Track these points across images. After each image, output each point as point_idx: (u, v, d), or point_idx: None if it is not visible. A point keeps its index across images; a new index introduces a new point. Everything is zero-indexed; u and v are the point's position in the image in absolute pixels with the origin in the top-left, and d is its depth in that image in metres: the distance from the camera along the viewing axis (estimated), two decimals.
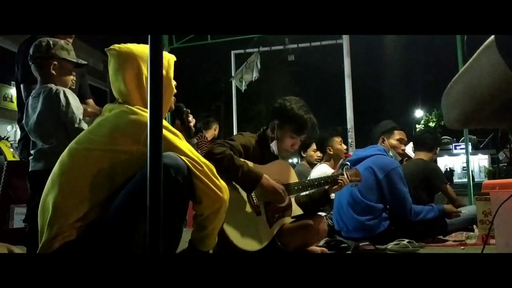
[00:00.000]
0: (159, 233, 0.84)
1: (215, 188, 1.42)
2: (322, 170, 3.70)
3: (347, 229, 3.02)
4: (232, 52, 8.16)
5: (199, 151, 1.76)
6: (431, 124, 33.96)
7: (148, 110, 1.43)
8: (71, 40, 2.48)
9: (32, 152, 2.05)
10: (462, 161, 33.25)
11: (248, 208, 2.15)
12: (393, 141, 3.24)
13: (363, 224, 2.92)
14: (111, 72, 1.53)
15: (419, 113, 39.76)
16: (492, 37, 0.63)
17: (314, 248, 2.49)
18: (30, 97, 2.08)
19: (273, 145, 2.36)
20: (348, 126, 6.37)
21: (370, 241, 2.85)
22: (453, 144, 36.17)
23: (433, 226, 3.03)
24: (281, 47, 7.96)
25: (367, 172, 2.93)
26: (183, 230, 1.51)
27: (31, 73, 2.13)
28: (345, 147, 4.01)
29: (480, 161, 37.48)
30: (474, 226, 3.14)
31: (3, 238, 2.43)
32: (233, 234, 2.03)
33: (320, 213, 2.47)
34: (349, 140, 6.19)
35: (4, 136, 6.83)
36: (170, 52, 6.63)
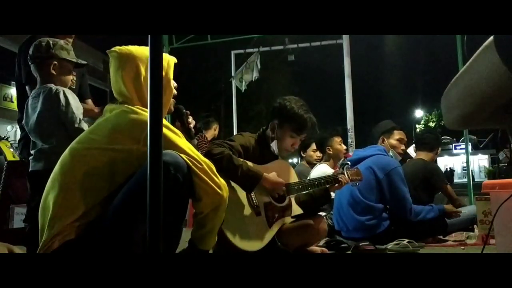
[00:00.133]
0: (159, 233, 0.84)
1: (214, 186, 1.42)
2: (322, 170, 3.70)
3: (347, 229, 3.02)
4: (232, 52, 8.17)
5: (199, 151, 1.76)
6: (431, 124, 33.99)
7: (146, 110, 1.46)
8: (71, 40, 2.48)
9: (32, 152, 2.05)
10: (462, 161, 33.27)
11: (248, 209, 2.15)
12: (393, 141, 3.24)
13: (363, 224, 2.92)
14: (112, 73, 1.56)
15: (419, 113, 39.79)
16: (491, 38, 0.63)
17: (314, 248, 2.49)
18: (30, 97, 2.08)
19: (273, 145, 2.36)
20: (348, 126, 6.37)
21: (370, 241, 2.85)
22: (453, 144, 36.20)
23: (433, 226, 3.03)
24: (281, 47, 7.97)
25: (367, 172, 2.93)
26: (182, 229, 1.51)
27: None
28: (344, 147, 4.01)
29: (480, 161, 37.49)
30: (474, 226, 3.14)
31: (3, 238, 2.43)
32: (232, 234, 2.03)
33: (320, 213, 2.47)
34: (349, 140, 6.19)
35: (4, 136, 6.83)
36: (170, 52, 6.66)
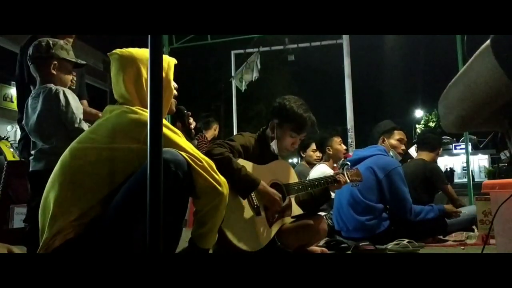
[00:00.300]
0: (159, 231, 0.84)
1: (214, 183, 1.43)
2: (321, 170, 3.70)
3: (347, 229, 3.02)
4: (232, 52, 8.17)
5: (200, 151, 1.77)
6: (431, 124, 34.00)
7: (146, 110, 1.47)
8: (71, 40, 2.48)
9: (32, 152, 2.05)
10: (462, 161, 33.27)
11: (248, 209, 2.15)
12: (393, 141, 3.24)
13: (363, 224, 2.92)
14: (113, 75, 1.58)
15: (419, 113, 39.83)
16: (488, 42, 0.64)
17: (314, 248, 2.49)
18: (29, 98, 2.08)
19: (273, 145, 2.36)
20: (348, 126, 6.38)
21: (370, 241, 2.85)
22: (453, 144, 36.22)
23: (433, 226, 3.03)
24: (281, 47, 7.97)
25: (368, 172, 2.93)
26: (182, 229, 1.51)
27: None
28: (344, 147, 4.02)
29: (480, 161, 37.51)
30: (474, 226, 3.14)
31: (3, 238, 2.43)
32: (233, 234, 2.03)
33: (320, 213, 2.47)
34: (349, 140, 6.19)
35: (4, 136, 6.83)
36: (170, 52, 6.66)
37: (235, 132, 7.77)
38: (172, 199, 1.30)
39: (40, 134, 2.00)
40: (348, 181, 2.44)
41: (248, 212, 2.14)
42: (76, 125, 1.97)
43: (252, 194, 2.17)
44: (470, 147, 6.15)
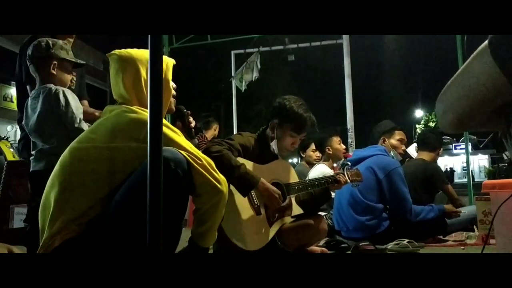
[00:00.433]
0: (159, 231, 0.84)
1: (214, 181, 1.43)
2: (320, 170, 3.70)
3: (347, 229, 3.02)
4: (232, 52, 8.17)
5: (200, 151, 1.77)
6: (431, 124, 34.01)
7: (146, 110, 1.47)
8: (71, 40, 2.48)
9: (32, 152, 2.05)
10: (462, 161, 33.28)
11: (248, 208, 2.15)
12: (393, 141, 3.24)
13: (363, 224, 2.92)
14: (112, 76, 1.59)
15: (419, 113, 39.83)
16: (486, 42, 0.64)
17: (314, 248, 2.49)
18: (29, 98, 2.07)
19: (273, 144, 2.36)
20: (348, 126, 6.38)
21: (370, 241, 2.85)
22: (453, 144, 36.23)
23: (433, 226, 3.03)
24: (281, 47, 7.97)
25: (368, 172, 2.93)
26: (182, 228, 1.51)
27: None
28: (344, 146, 4.02)
29: (480, 161, 37.52)
30: (474, 226, 3.14)
31: (3, 238, 2.43)
32: (233, 233, 2.03)
33: (320, 213, 2.47)
34: (349, 140, 6.20)
35: (4, 136, 6.84)
36: (170, 52, 6.65)
37: (235, 132, 7.76)
38: (172, 198, 1.30)
39: (40, 134, 2.00)
40: (348, 181, 2.44)
41: (248, 212, 2.14)
42: (76, 125, 1.97)
43: (252, 193, 2.17)
44: (470, 147, 6.15)
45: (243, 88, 7.77)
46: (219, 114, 17.13)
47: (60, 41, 2.15)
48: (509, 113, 0.71)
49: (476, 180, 18.61)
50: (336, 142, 3.90)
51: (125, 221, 1.33)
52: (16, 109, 2.66)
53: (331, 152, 3.89)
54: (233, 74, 7.98)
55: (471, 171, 6.52)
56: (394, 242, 2.72)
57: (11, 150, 5.62)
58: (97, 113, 2.47)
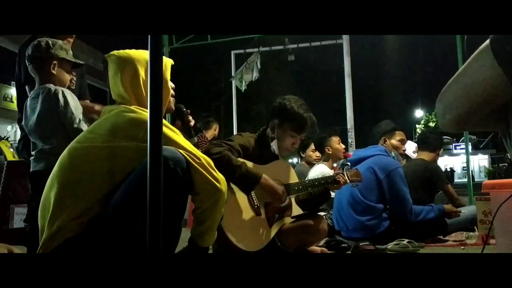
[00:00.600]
0: (159, 230, 0.84)
1: (212, 180, 1.43)
2: (320, 170, 3.70)
3: (347, 229, 3.02)
4: (232, 52, 8.17)
5: (199, 151, 1.77)
6: (431, 124, 34.02)
7: (144, 110, 1.48)
8: (71, 40, 2.48)
9: (32, 152, 2.05)
10: (462, 161, 33.29)
11: (248, 209, 2.15)
12: (394, 142, 3.24)
13: (363, 224, 2.92)
14: (110, 76, 1.60)
15: (419, 113, 39.85)
16: (487, 41, 0.64)
17: (314, 248, 2.49)
18: (29, 98, 2.07)
19: (273, 145, 2.36)
20: (348, 126, 6.38)
21: (370, 241, 2.85)
22: (453, 144, 36.24)
23: (433, 226, 3.03)
24: (281, 47, 7.97)
25: (368, 172, 2.93)
26: (181, 228, 1.51)
27: None
28: (343, 146, 4.02)
29: (480, 161, 37.53)
30: (474, 226, 3.14)
31: (3, 238, 2.43)
32: (233, 234, 2.03)
33: (320, 213, 2.47)
34: (349, 140, 6.19)
35: (4, 136, 6.84)
36: (170, 52, 6.65)
37: (235, 132, 7.77)
38: (171, 197, 1.31)
39: (39, 134, 2.00)
40: (348, 181, 2.44)
41: (248, 212, 2.14)
42: (75, 125, 1.97)
43: (252, 193, 2.17)
44: (470, 147, 6.15)
45: (243, 88, 7.77)
46: (219, 114, 17.14)
47: (60, 41, 2.15)
48: (508, 114, 0.71)
49: (476, 180, 18.62)
50: (335, 142, 3.90)
51: (124, 220, 1.33)
52: (16, 109, 2.66)
53: (330, 152, 3.89)
54: (233, 74, 7.98)
55: (471, 171, 6.52)
56: (394, 242, 2.72)
57: (11, 150, 5.62)
58: (96, 106, 2.46)
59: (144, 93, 1.55)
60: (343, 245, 2.78)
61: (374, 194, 2.96)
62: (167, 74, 1.64)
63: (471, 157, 7.13)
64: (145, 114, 1.45)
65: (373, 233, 2.90)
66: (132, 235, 1.32)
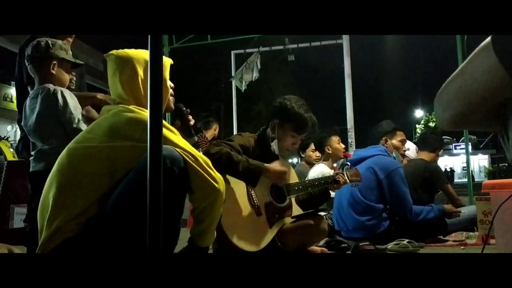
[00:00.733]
0: (159, 230, 0.84)
1: (210, 179, 1.43)
2: (320, 170, 3.71)
3: (347, 229, 3.02)
4: (232, 52, 8.17)
5: (200, 151, 1.76)
6: (431, 124, 34.03)
7: (143, 110, 1.47)
8: (70, 40, 2.48)
9: (32, 153, 2.05)
10: (462, 161, 33.30)
11: (249, 209, 2.15)
12: (395, 142, 3.25)
13: (363, 224, 2.92)
14: (109, 76, 1.60)
15: (419, 113, 39.87)
16: (488, 39, 0.64)
17: (314, 248, 2.49)
18: (28, 98, 2.07)
19: (274, 145, 2.36)
20: (348, 126, 6.37)
21: (370, 241, 2.85)
22: (453, 144, 36.24)
23: (433, 226, 3.03)
24: (281, 47, 7.97)
25: (368, 172, 2.93)
26: (180, 227, 1.51)
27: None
28: (343, 146, 4.02)
29: (480, 161, 37.54)
30: (474, 227, 3.14)
31: (3, 238, 2.43)
32: (233, 234, 2.03)
33: (320, 213, 2.48)
34: (349, 140, 6.19)
35: (4, 136, 6.83)
36: (170, 52, 6.64)
37: (235, 132, 7.77)
38: (168, 196, 1.30)
39: (39, 134, 2.00)
40: (348, 181, 2.45)
41: (248, 212, 2.14)
42: (75, 125, 1.97)
43: (252, 194, 2.18)
44: (470, 147, 6.15)
45: (243, 88, 7.77)
46: (219, 114, 17.14)
47: (60, 41, 2.15)
48: (506, 115, 0.71)
49: (476, 180, 18.61)
50: (335, 142, 3.90)
51: (122, 220, 1.33)
52: (16, 109, 2.66)
53: (330, 152, 3.89)
54: (233, 74, 7.98)
55: (471, 171, 6.52)
56: (394, 242, 2.72)
57: (11, 150, 5.61)
58: (99, 95, 2.41)
59: (143, 93, 1.55)
60: (343, 245, 2.78)
61: (374, 194, 2.96)
62: (166, 73, 1.64)
63: (471, 157, 7.13)
64: (143, 113, 1.45)
65: (373, 233, 2.90)
66: (130, 234, 1.32)
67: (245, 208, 2.14)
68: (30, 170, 2.04)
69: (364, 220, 2.92)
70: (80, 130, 1.89)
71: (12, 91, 12.62)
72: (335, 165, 4.06)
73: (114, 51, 1.58)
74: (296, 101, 2.37)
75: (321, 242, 2.72)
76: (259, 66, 7.59)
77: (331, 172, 3.53)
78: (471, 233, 3.04)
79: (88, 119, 2.26)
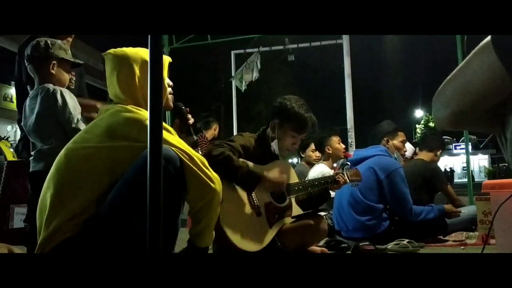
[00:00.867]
0: (159, 230, 0.84)
1: (206, 179, 1.42)
2: (320, 169, 3.71)
3: (347, 229, 3.02)
4: (232, 52, 8.16)
5: (200, 150, 1.76)
6: (431, 124, 34.02)
7: (140, 109, 1.47)
8: (70, 40, 2.48)
9: (32, 153, 2.05)
10: (462, 161, 33.30)
11: (249, 209, 2.15)
12: (396, 143, 3.25)
13: (363, 224, 2.92)
14: (107, 75, 1.59)
15: (419, 113, 39.89)
16: (488, 38, 0.63)
17: (314, 248, 2.49)
18: (27, 98, 2.07)
19: (274, 145, 2.36)
20: (348, 126, 6.37)
21: (370, 241, 2.85)
22: (453, 144, 36.25)
23: (433, 226, 3.03)
24: (281, 47, 7.96)
25: (369, 172, 2.93)
26: (178, 226, 1.51)
27: None
28: (343, 146, 4.02)
29: (480, 161, 37.56)
30: (473, 226, 3.14)
31: (3, 238, 2.43)
32: (233, 234, 2.03)
33: (320, 213, 2.48)
34: (349, 140, 6.19)
35: (4, 136, 6.83)
36: (170, 52, 6.65)
37: (235, 132, 7.77)
38: (164, 196, 1.30)
39: (38, 134, 2.00)
40: (348, 181, 2.45)
41: (248, 212, 2.15)
42: (74, 125, 1.96)
43: (252, 194, 2.18)
44: (470, 147, 6.15)
45: (243, 88, 7.76)
46: (219, 114, 17.13)
47: (59, 41, 2.15)
48: (504, 116, 0.71)
49: (476, 180, 18.60)
50: (335, 142, 3.90)
51: (120, 219, 1.33)
52: (16, 109, 2.66)
53: (330, 152, 3.89)
54: (233, 74, 7.97)
55: (471, 171, 6.51)
56: (394, 242, 2.72)
57: (11, 150, 5.61)
58: (98, 104, 2.43)
59: (140, 93, 1.54)
60: (343, 245, 2.78)
61: (374, 194, 2.96)
62: (164, 72, 1.63)
63: (471, 157, 7.13)
64: (141, 113, 1.44)
65: (373, 233, 2.90)
66: (128, 234, 1.32)
67: (245, 208, 2.14)
68: (30, 170, 2.03)
69: (364, 220, 2.92)
70: (79, 130, 1.89)
71: (12, 91, 12.61)
72: (335, 165, 4.06)
73: (112, 50, 1.58)
74: (296, 101, 2.37)
75: (321, 242, 2.72)
76: (259, 66, 7.59)
77: (331, 172, 3.53)
78: (471, 233, 3.05)
79: (87, 119, 2.25)
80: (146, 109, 1.46)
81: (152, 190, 0.86)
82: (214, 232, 1.59)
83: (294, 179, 2.43)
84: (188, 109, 1.83)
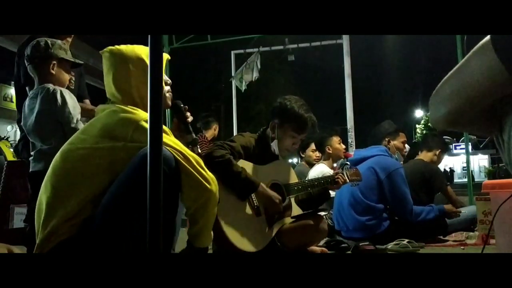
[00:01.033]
0: (159, 231, 0.84)
1: (201, 179, 1.41)
2: (320, 169, 3.70)
3: (347, 229, 3.02)
4: (232, 52, 8.17)
5: (200, 150, 1.76)
6: (431, 125, 34.04)
7: (136, 109, 1.46)
8: (70, 40, 2.48)
9: (32, 153, 2.05)
10: (462, 161, 33.32)
11: (248, 209, 2.15)
12: (397, 143, 3.25)
13: (364, 224, 2.92)
14: (104, 74, 1.58)
15: (419, 113, 39.88)
16: (488, 37, 0.63)
17: (314, 248, 2.49)
18: (27, 98, 2.07)
19: (274, 145, 2.36)
20: (348, 126, 6.37)
21: (370, 241, 2.85)
22: (453, 144, 36.24)
23: (433, 226, 3.03)
24: (281, 47, 7.96)
25: (369, 172, 2.93)
26: (177, 226, 1.50)
27: None
28: (343, 146, 4.02)
29: (480, 161, 37.57)
30: (472, 226, 3.14)
31: (3, 238, 2.43)
32: (233, 235, 2.03)
33: (320, 213, 2.48)
34: (349, 140, 6.19)
35: (4, 136, 6.83)
36: (170, 52, 6.65)
37: (235, 132, 7.77)
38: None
39: (38, 134, 2.00)
40: (348, 180, 2.45)
41: (248, 213, 2.14)
42: (73, 125, 1.96)
43: (252, 194, 2.17)
44: (470, 147, 6.15)
45: (243, 88, 7.77)
46: (219, 114, 17.13)
47: (59, 41, 2.15)
48: (502, 118, 0.71)
49: (476, 180, 18.61)
50: (336, 142, 3.90)
51: (117, 219, 1.33)
52: (16, 109, 2.66)
53: (331, 152, 3.89)
54: (233, 74, 7.97)
55: (471, 171, 6.52)
56: (394, 242, 2.72)
57: (11, 150, 5.61)
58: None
59: (137, 92, 1.52)
60: (343, 245, 2.78)
61: (374, 194, 2.96)
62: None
63: (471, 157, 7.14)
64: (136, 113, 1.44)
65: (373, 233, 2.90)
66: (125, 234, 1.32)
67: (245, 208, 2.14)
68: (30, 170, 2.03)
69: (364, 220, 2.92)
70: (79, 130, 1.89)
71: (12, 91, 12.60)
72: (335, 165, 4.06)
73: (108, 48, 1.56)
74: (296, 101, 2.37)
75: (321, 242, 2.72)
76: (259, 66, 7.59)
77: (331, 172, 3.53)
78: (471, 233, 3.05)
79: (88, 120, 2.26)
80: (143, 108, 1.46)
81: (152, 190, 0.86)
82: (212, 232, 1.59)
83: (294, 179, 2.43)
84: (186, 107, 1.82)
